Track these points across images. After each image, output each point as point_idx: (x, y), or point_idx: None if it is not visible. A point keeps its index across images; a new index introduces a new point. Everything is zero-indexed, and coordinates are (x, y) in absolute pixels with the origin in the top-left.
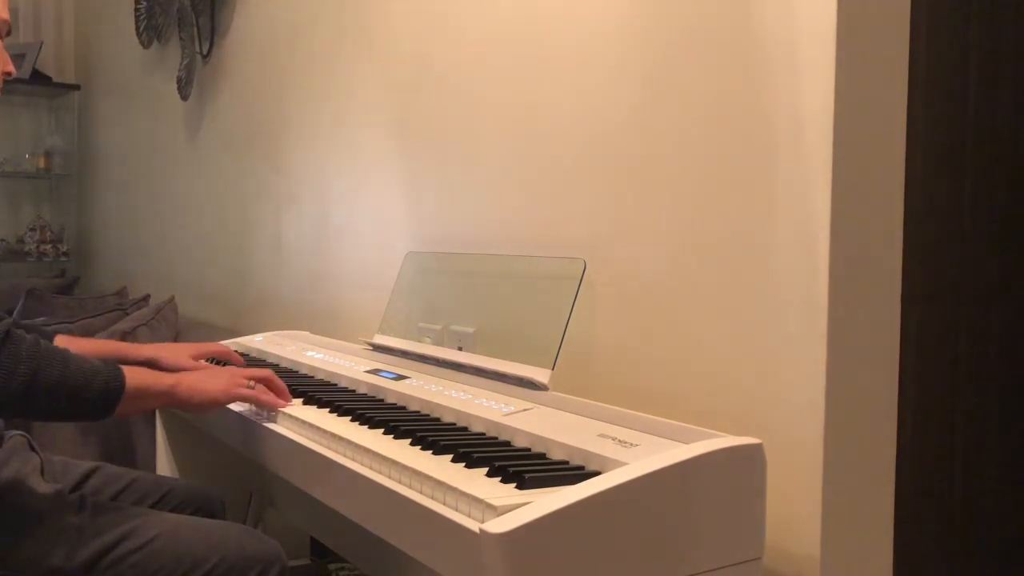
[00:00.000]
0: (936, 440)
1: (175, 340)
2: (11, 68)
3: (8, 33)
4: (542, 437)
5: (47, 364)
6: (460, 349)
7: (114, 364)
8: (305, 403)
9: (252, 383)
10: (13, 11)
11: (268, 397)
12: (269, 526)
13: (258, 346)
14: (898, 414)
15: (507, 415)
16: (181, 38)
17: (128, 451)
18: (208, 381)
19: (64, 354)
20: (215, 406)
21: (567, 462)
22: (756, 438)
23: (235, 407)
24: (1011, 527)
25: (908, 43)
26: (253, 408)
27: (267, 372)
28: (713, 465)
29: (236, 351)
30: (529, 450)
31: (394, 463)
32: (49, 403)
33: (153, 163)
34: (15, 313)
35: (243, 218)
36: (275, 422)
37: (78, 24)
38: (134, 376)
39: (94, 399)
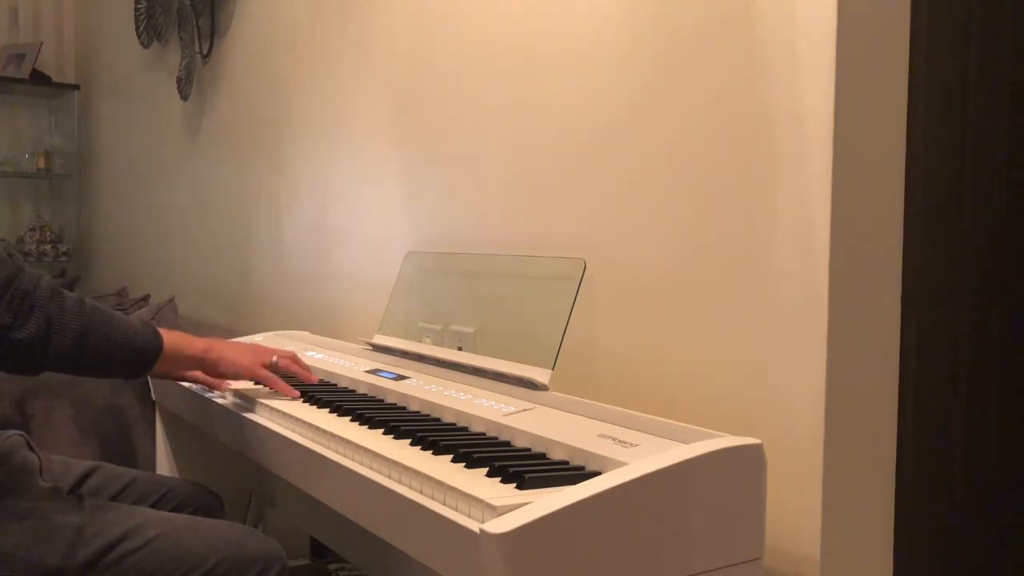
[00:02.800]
0: (936, 440)
1: None
2: None
3: None
4: (542, 437)
5: (95, 320)
6: (460, 349)
7: (151, 324)
8: (305, 403)
9: (276, 359)
10: (13, 11)
11: (284, 386)
12: (269, 526)
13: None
14: (898, 414)
15: (507, 415)
16: (181, 38)
17: (128, 451)
18: (237, 352)
19: (108, 311)
20: (238, 375)
21: (567, 462)
22: (756, 438)
23: (235, 407)
24: (1011, 527)
25: (908, 43)
26: (252, 405)
27: (291, 353)
28: (713, 465)
29: None
30: (529, 450)
31: (394, 463)
32: (96, 358)
33: (153, 163)
34: None
35: (243, 218)
36: (275, 422)
37: (78, 24)
38: (170, 337)
39: (134, 357)
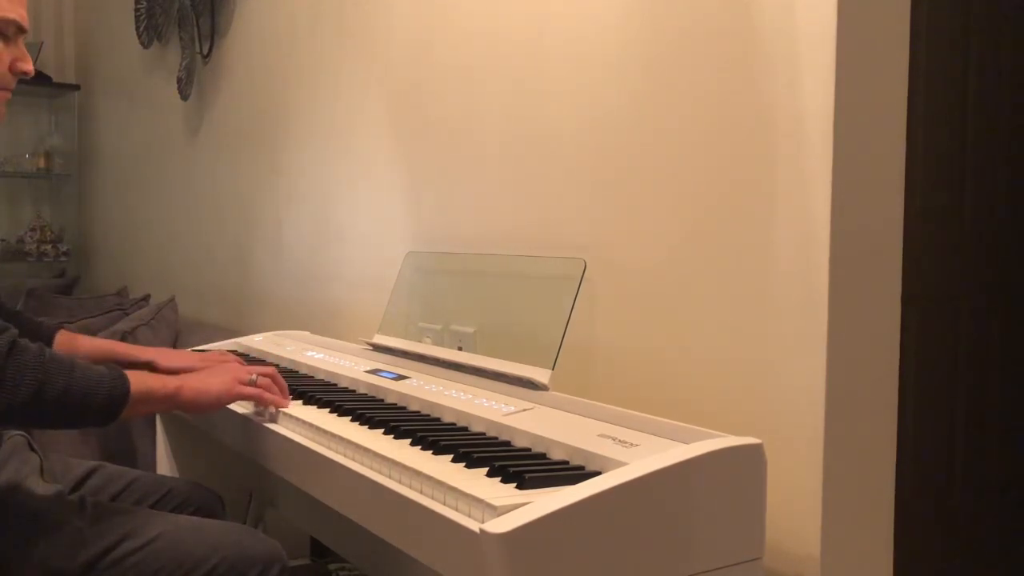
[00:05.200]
0: (936, 440)
1: (175, 340)
2: (30, 67)
3: (22, 31)
4: (542, 437)
5: (53, 374)
6: (460, 349)
7: (118, 369)
8: (305, 403)
9: (255, 377)
10: None
11: (270, 396)
12: (269, 526)
13: (258, 346)
14: (898, 414)
15: (507, 415)
16: (181, 38)
17: (128, 451)
18: (210, 381)
19: (69, 363)
20: (218, 406)
21: (567, 462)
22: (756, 438)
23: (237, 407)
24: (1011, 527)
25: (908, 43)
26: (253, 408)
27: (271, 369)
28: (713, 465)
29: (234, 351)
30: (529, 450)
31: (394, 463)
32: (55, 413)
33: (153, 163)
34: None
35: (243, 218)
36: (275, 422)
37: (78, 24)
38: (138, 381)
39: (99, 406)
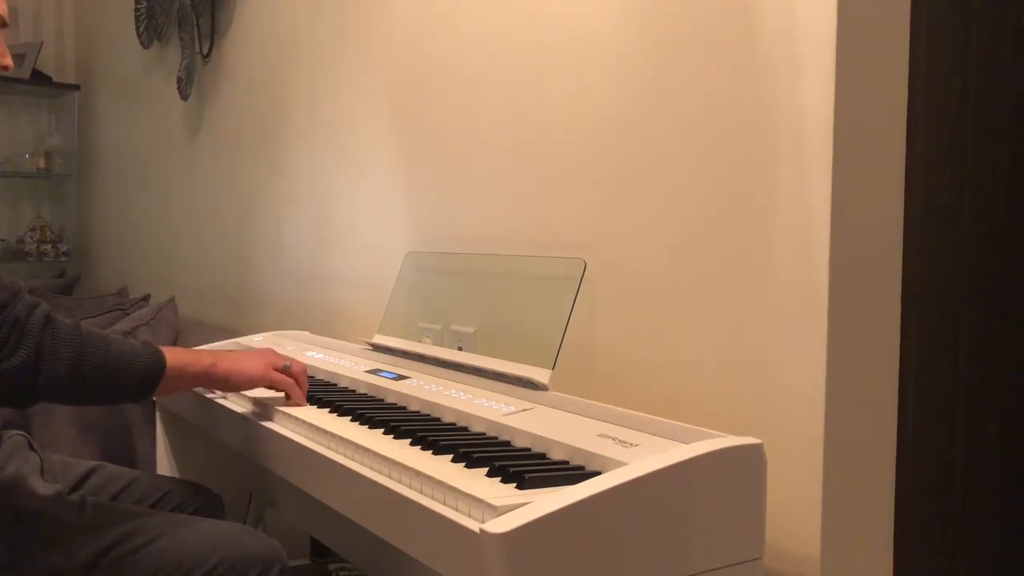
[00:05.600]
0: (936, 440)
1: (175, 340)
2: (8, 62)
3: (3, 25)
4: (542, 437)
5: (90, 348)
6: (460, 349)
7: (152, 344)
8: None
9: (289, 364)
10: (12, 11)
11: (297, 390)
12: (269, 526)
13: (258, 346)
14: (898, 414)
15: (507, 415)
16: (181, 38)
17: (128, 451)
18: (245, 361)
19: (105, 337)
20: (250, 387)
21: (567, 462)
22: (756, 438)
23: (236, 407)
24: (1011, 527)
25: (908, 43)
26: (252, 406)
27: (304, 366)
28: (713, 465)
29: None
30: (529, 450)
31: (394, 463)
32: (93, 386)
33: (153, 163)
34: None
35: (243, 218)
36: (275, 422)
37: (78, 24)
38: (173, 356)
39: (136, 380)
